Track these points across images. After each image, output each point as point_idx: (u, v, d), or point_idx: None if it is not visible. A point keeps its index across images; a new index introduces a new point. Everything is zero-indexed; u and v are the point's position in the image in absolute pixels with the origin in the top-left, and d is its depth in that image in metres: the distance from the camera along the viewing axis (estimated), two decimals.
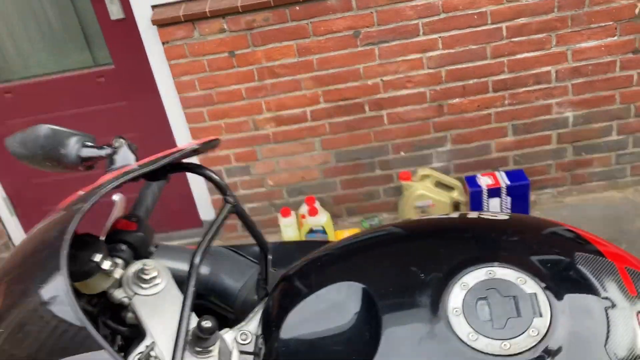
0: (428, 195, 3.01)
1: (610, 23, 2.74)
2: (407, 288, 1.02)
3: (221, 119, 3.04)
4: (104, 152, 1.23)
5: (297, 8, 2.74)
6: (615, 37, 2.78)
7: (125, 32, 2.92)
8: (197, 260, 1.03)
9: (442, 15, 2.74)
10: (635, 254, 2.75)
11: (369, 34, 2.80)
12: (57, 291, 0.91)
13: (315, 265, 1.16)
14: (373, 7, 2.73)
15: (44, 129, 1.21)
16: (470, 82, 2.90)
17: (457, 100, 2.95)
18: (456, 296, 0.96)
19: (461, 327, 0.93)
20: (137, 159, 1.20)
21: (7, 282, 1.03)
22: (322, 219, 3.04)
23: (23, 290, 0.97)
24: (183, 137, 3.17)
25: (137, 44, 2.94)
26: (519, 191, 2.99)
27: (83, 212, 0.99)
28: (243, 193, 3.26)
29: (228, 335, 1.06)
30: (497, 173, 3.09)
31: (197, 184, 3.32)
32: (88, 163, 1.24)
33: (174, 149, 1.14)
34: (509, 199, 3.00)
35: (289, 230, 3.06)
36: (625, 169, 3.13)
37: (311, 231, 3.04)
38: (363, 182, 3.21)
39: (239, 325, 1.11)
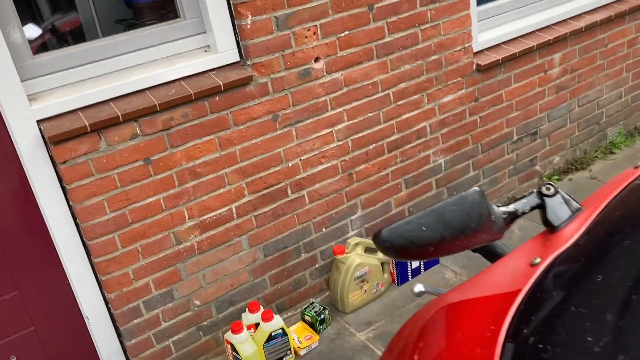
0: (365, 262, 3.01)
1: (459, 79, 3.29)
2: None
3: (137, 241, 2.51)
4: (528, 205, 1.05)
5: (217, 99, 2.52)
6: (463, 90, 3.33)
7: None
8: None
9: (345, 89, 2.88)
10: None
11: (287, 116, 2.74)
12: None
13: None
14: (287, 89, 2.70)
15: (476, 192, 0.95)
16: (371, 147, 3.08)
17: (362, 166, 3.08)
18: None
19: None
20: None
21: None
22: (279, 320, 2.74)
23: None
24: (83, 279, 2.49)
25: (12, 174, 2.25)
26: None
27: None
28: (166, 325, 2.70)
29: None
30: None
31: (103, 333, 2.61)
32: (510, 224, 1.02)
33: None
34: None
35: (246, 346, 2.65)
36: None
37: (271, 338, 2.70)
38: (291, 271, 3.02)
39: None
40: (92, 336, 2.61)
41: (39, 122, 2.22)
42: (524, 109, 3.66)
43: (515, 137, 3.69)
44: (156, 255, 2.57)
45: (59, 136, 2.19)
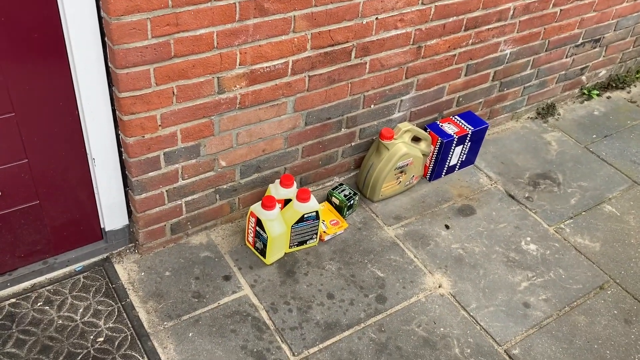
0: (410, 153, 2.64)
1: None
2: None
3: (175, 80, 1.96)
4: None
5: None
6: None
7: None
8: None
9: None
10: (568, 180, 3.03)
11: None
12: None
13: None
14: None
15: None
16: (450, 20, 2.56)
17: (434, 41, 2.58)
18: None
19: None
20: None
21: None
22: (315, 202, 2.37)
23: None
24: (97, 114, 1.95)
25: None
26: (480, 135, 2.89)
27: None
28: (183, 183, 2.26)
29: None
30: (454, 118, 2.90)
31: (108, 180, 2.14)
32: None
33: None
34: (469, 144, 2.88)
35: (276, 225, 2.28)
36: (524, 100, 3.34)
37: (302, 220, 2.34)
38: (327, 145, 2.60)
39: None
40: (94, 182, 2.13)
41: None
42: (601, 10, 3.21)
43: (580, 41, 3.27)
44: (192, 101, 2.05)
45: None
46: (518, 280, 2.47)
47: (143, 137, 2.02)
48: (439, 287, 2.40)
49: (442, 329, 2.24)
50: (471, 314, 2.32)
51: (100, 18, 1.75)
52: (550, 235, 2.70)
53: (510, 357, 2.18)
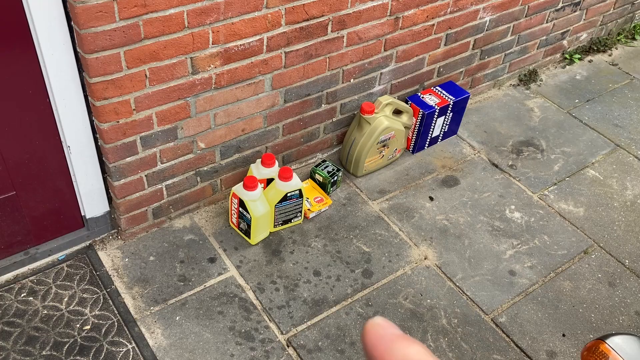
0: (392, 126, 2.62)
1: None
2: None
3: (147, 63, 1.92)
4: None
5: None
6: None
7: None
8: None
9: None
10: (551, 146, 3.06)
11: None
12: None
13: None
14: None
15: None
16: None
17: (412, 11, 2.54)
18: None
19: None
20: None
21: None
22: (297, 180, 2.35)
23: None
24: (69, 100, 1.91)
25: None
26: (462, 105, 2.87)
27: None
28: (162, 167, 2.23)
29: None
30: (435, 89, 2.87)
31: (85, 168, 2.10)
32: None
33: None
34: (451, 114, 2.86)
35: (259, 205, 2.27)
36: (506, 67, 3.31)
37: (285, 198, 2.33)
38: (307, 122, 2.57)
39: None
40: (71, 170, 2.09)
41: None
42: None
43: (560, 5, 3.24)
44: (166, 83, 2.01)
45: None
46: (503, 248, 2.49)
47: (117, 122, 1.98)
48: (425, 259, 2.41)
49: (428, 301, 2.26)
50: (457, 284, 2.33)
51: (65, 2, 1.70)
52: (534, 202, 2.71)
53: (497, 325, 2.20)
